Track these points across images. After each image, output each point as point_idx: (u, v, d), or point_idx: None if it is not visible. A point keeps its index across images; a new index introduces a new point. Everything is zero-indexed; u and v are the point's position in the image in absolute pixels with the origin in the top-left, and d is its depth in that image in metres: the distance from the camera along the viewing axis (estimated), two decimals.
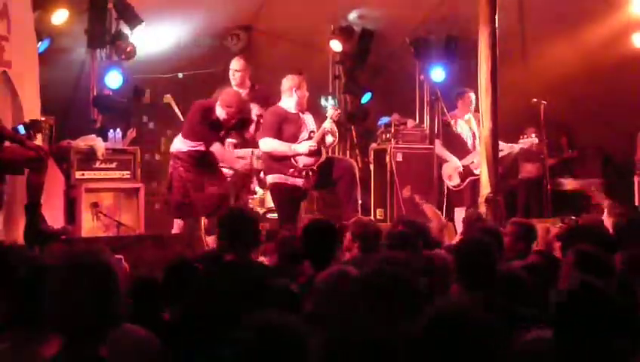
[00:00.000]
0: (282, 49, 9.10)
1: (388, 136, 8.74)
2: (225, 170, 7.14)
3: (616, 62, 8.82)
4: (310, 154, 7.04)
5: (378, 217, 8.27)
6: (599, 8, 8.69)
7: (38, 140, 6.36)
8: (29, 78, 6.55)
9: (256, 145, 7.24)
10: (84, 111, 7.97)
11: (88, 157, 7.15)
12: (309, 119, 7.23)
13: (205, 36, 8.75)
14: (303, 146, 7.05)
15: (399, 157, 8.57)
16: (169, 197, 7.13)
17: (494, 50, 6.96)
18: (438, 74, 9.27)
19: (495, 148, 7.12)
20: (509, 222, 5.30)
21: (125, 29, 7.81)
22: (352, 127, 9.46)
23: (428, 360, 2.00)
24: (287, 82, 7.19)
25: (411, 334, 2.04)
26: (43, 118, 6.46)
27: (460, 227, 6.84)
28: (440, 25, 9.12)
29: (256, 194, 7.69)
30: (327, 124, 7.14)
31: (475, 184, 7.74)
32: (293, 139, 7.08)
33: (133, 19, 7.77)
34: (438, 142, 8.73)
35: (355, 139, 9.38)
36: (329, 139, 7.21)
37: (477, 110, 7.81)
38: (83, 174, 7.13)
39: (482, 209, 6.96)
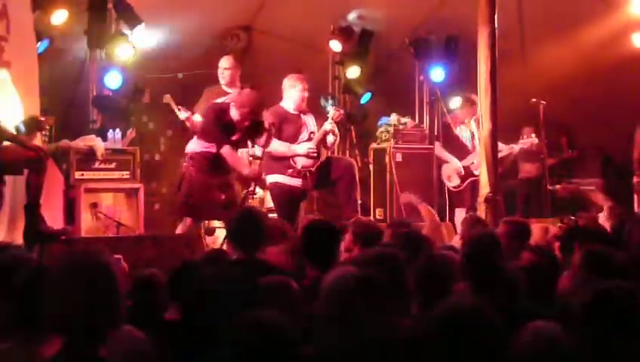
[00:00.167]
0: (282, 49, 9.10)
1: (387, 136, 8.74)
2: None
3: (615, 62, 8.83)
4: (308, 156, 7.04)
5: (378, 217, 8.27)
6: (598, 8, 8.70)
7: (38, 140, 6.37)
8: (29, 79, 6.56)
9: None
10: (84, 111, 7.97)
11: (88, 158, 7.15)
12: (309, 120, 7.23)
13: (205, 36, 8.74)
14: (302, 147, 7.05)
15: (399, 158, 8.57)
16: (176, 196, 7.10)
17: (494, 51, 6.96)
18: (437, 74, 9.27)
19: (494, 148, 7.12)
20: (502, 222, 5.29)
21: (125, 30, 7.81)
22: (352, 127, 9.47)
23: (434, 358, 2.01)
24: (287, 82, 7.18)
25: (416, 333, 2.05)
26: (43, 118, 6.46)
27: (459, 228, 6.84)
28: (439, 25, 9.12)
29: (256, 194, 7.69)
30: (328, 125, 7.14)
31: (475, 185, 7.74)
32: (293, 139, 7.08)
33: (132, 20, 7.76)
34: (437, 144, 8.73)
35: (354, 139, 9.38)
36: (330, 139, 7.21)
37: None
38: (82, 174, 7.12)
39: (482, 209, 6.97)
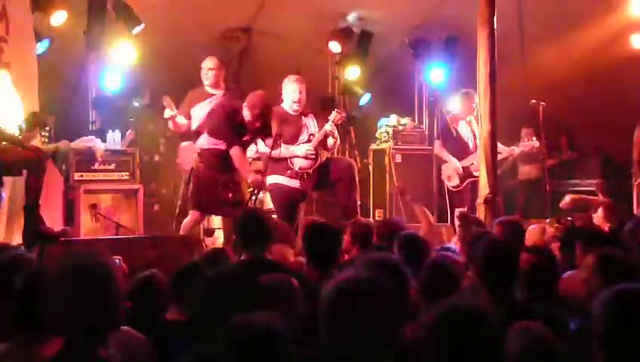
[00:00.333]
0: (281, 50, 9.09)
1: (387, 137, 8.74)
2: None
3: (614, 63, 8.83)
4: (306, 157, 7.04)
5: (377, 218, 8.26)
6: (598, 9, 8.70)
7: (37, 141, 6.36)
8: (28, 80, 6.56)
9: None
10: (83, 112, 7.97)
11: (87, 159, 7.15)
12: (310, 121, 7.22)
13: (205, 37, 8.73)
14: (300, 149, 7.05)
15: (398, 158, 8.58)
16: (184, 191, 7.13)
17: (493, 52, 6.96)
18: (437, 75, 9.27)
19: (494, 149, 7.12)
20: (495, 223, 5.28)
21: (124, 31, 7.80)
22: (351, 128, 9.47)
23: (438, 357, 2.01)
24: (284, 83, 7.18)
25: (422, 331, 2.05)
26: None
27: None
28: (439, 26, 9.12)
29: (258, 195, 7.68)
30: (328, 127, 7.13)
31: (475, 185, 7.72)
32: (293, 140, 7.08)
33: (132, 21, 7.77)
34: (437, 143, 8.71)
35: (354, 140, 9.38)
36: (330, 141, 7.20)
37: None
38: (82, 175, 7.12)
39: (481, 210, 6.96)
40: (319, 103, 8.65)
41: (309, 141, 7.11)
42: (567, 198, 7.58)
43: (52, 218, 6.34)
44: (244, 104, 6.70)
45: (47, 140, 6.72)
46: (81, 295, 2.33)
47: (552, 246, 5.07)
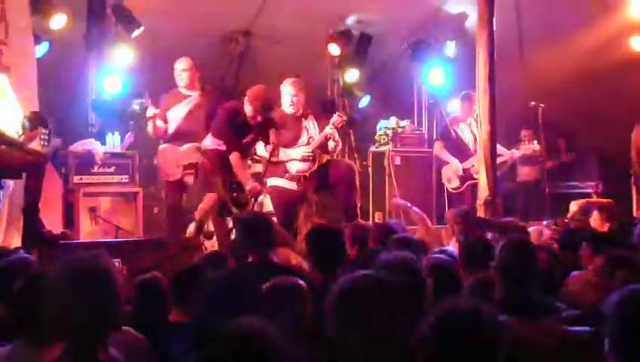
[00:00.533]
0: (281, 53, 9.10)
1: (386, 139, 8.74)
2: None
3: (613, 66, 8.84)
4: (304, 160, 7.04)
5: (377, 220, 8.26)
6: (597, 12, 8.71)
7: (36, 144, 6.35)
8: (28, 83, 6.55)
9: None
10: (83, 115, 7.97)
11: (86, 162, 7.15)
12: (310, 124, 7.22)
13: (204, 41, 8.73)
14: (297, 152, 7.06)
15: (397, 161, 8.58)
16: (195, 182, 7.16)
17: (492, 54, 6.97)
18: (436, 77, 9.28)
19: (493, 151, 7.13)
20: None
21: (123, 34, 7.80)
22: (351, 131, 9.47)
23: (438, 357, 2.01)
24: (286, 86, 7.18)
25: (421, 332, 2.05)
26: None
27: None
28: (438, 29, 9.13)
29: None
30: (329, 130, 7.13)
31: (475, 188, 7.74)
32: (292, 142, 7.08)
33: (131, 24, 7.77)
34: (438, 144, 8.71)
35: (353, 143, 9.39)
36: (331, 145, 7.19)
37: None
38: (81, 178, 7.12)
39: (481, 212, 6.97)
40: (319, 106, 8.65)
41: (308, 143, 7.11)
42: (574, 206, 7.53)
43: (51, 221, 6.33)
44: (245, 98, 6.77)
45: (45, 143, 6.71)
46: (81, 298, 2.33)
47: (550, 246, 5.09)
